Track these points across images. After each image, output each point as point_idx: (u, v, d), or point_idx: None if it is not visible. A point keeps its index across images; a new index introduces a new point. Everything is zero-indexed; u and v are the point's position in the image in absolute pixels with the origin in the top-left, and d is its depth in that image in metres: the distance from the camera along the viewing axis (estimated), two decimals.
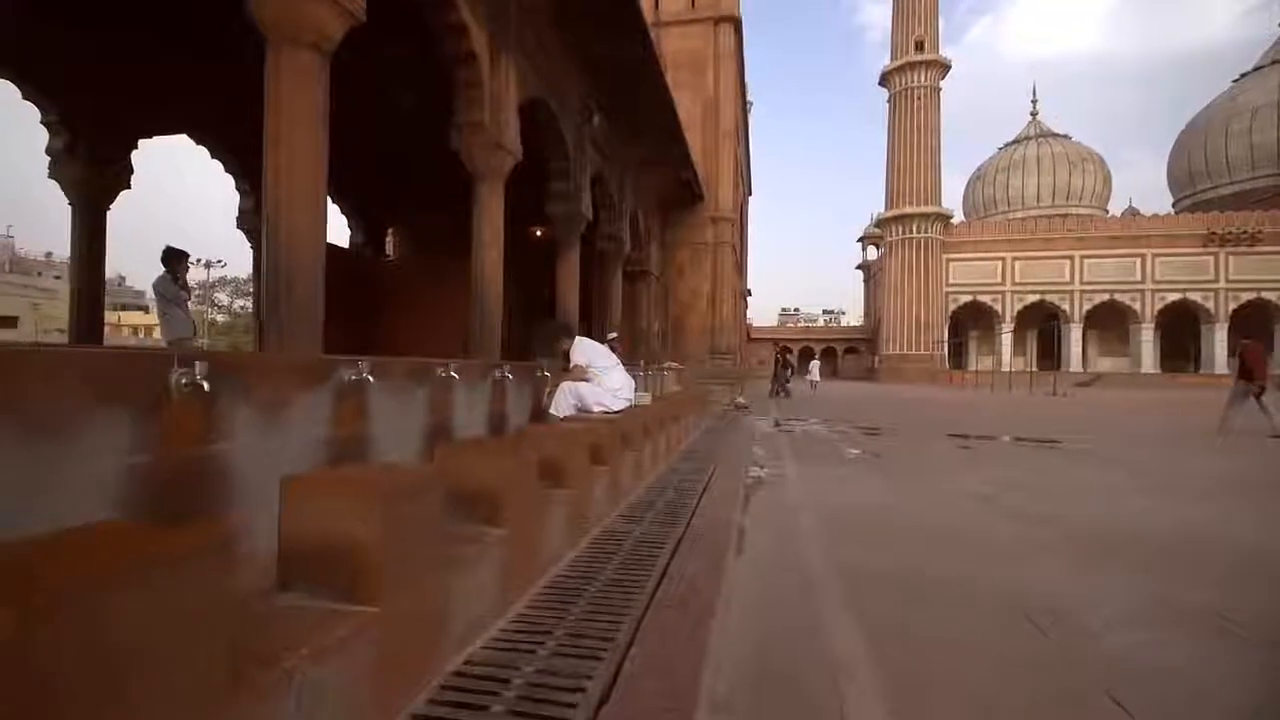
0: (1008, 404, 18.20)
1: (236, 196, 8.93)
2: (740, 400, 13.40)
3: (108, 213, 6.82)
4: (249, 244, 9.01)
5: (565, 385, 4.18)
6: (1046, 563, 3.04)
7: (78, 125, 6.61)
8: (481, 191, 5.54)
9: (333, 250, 11.16)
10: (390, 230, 12.19)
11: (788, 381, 17.97)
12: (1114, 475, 5.84)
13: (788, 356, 22.49)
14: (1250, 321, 37.62)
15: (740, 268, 20.88)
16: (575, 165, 7.86)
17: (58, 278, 59.17)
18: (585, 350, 4.38)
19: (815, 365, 27.66)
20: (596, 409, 4.19)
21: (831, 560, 2.99)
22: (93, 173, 6.68)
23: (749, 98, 25.62)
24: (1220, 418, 9.26)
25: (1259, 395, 9.19)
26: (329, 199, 10.52)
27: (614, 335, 9.12)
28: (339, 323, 10.79)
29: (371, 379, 2.45)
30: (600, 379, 4.32)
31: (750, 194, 28.80)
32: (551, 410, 4.14)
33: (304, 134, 3.21)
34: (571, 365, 4.32)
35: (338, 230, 11.80)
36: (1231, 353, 40.43)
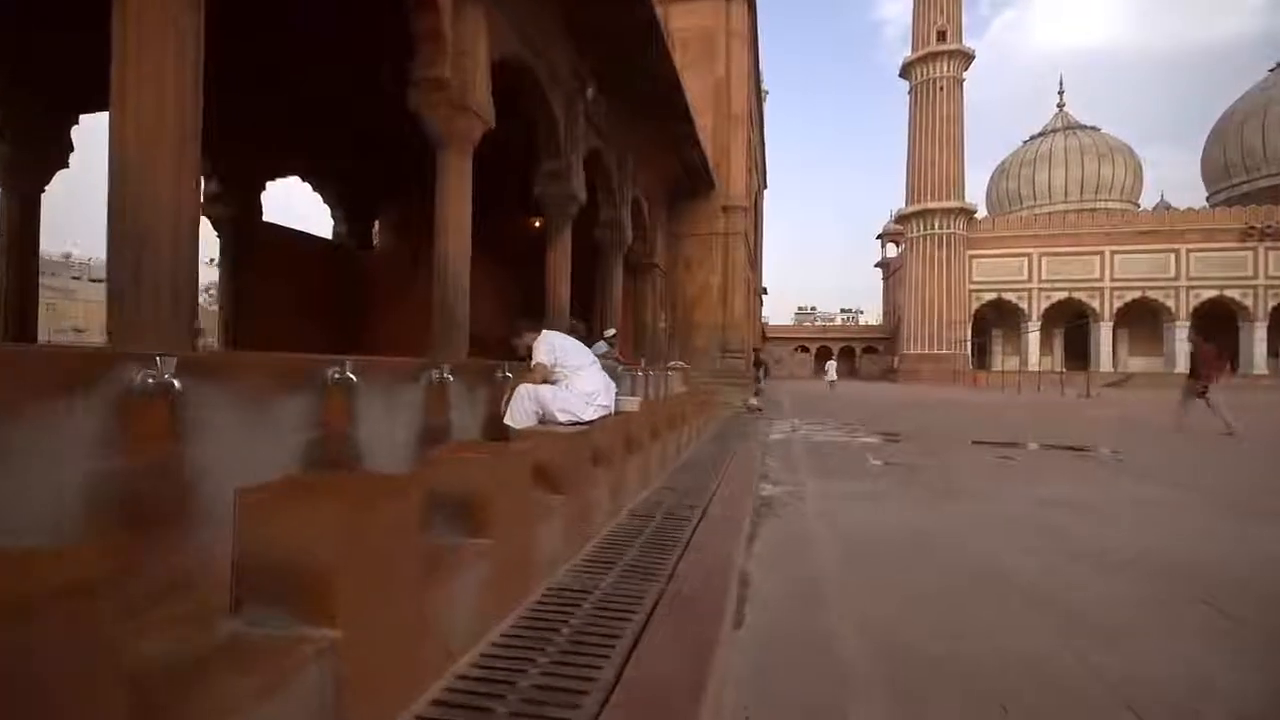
0: (1038, 406, 17.10)
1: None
2: (753, 402, 12.52)
3: (41, 195, 6.14)
4: (215, 233, 8.34)
5: (523, 390, 3.36)
6: (1150, 630, 2.18)
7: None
8: (444, 162, 4.76)
9: (310, 242, 10.48)
10: (377, 221, 11.47)
11: (759, 380, 17.17)
12: (1175, 492, 4.92)
13: (761, 355, 22.19)
14: None
15: (754, 262, 19.96)
16: (567, 141, 7.06)
17: (75, 278, 59.84)
18: (551, 345, 3.55)
19: (832, 365, 26.85)
20: (563, 418, 3.38)
21: (870, 634, 2.15)
22: (23, 151, 6.00)
23: (764, 86, 24.66)
24: (1174, 415, 9.75)
25: (1202, 394, 9.51)
26: (310, 188, 9.80)
27: (612, 332, 8.33)
28: (318, 320, 10.11)
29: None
30: (571, 381, 3.51)
31: (765, 187, 27.83)
32: (507, 420, 3.33)
33: (160, 79, 2.45)
34: (533, 364, 3.50)
35: (319, 222, 11.18)
36: (1273, 353, 38.79)
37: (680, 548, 2.88)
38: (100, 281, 61.25)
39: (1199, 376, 9.59)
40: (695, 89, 12.02)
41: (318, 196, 10.15)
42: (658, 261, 11.97)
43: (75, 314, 50.53)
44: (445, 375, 3.02)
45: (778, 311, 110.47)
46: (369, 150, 9.88)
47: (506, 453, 2.26)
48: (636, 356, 11.55)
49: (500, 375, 3.69)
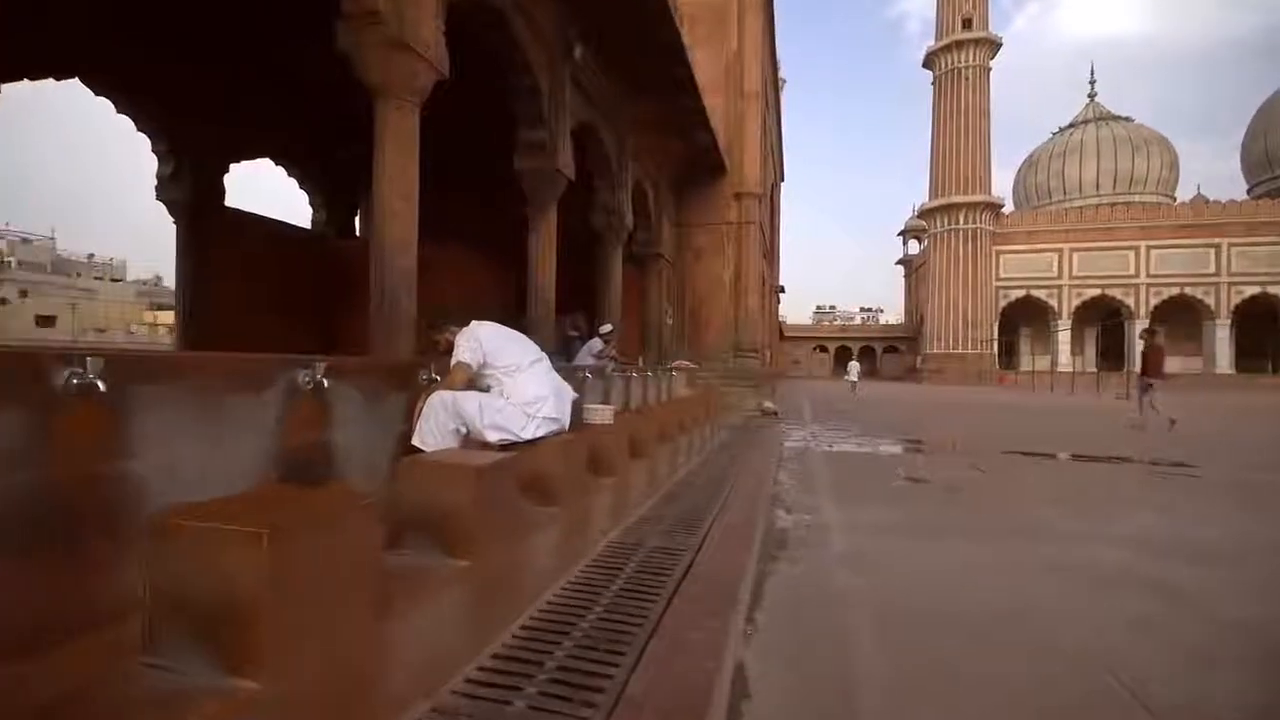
0: (1080, 410, 15.87)
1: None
2: (768, 405, 11.53)
3: None
4: (171, 219, 7.57)
5: (438, 400, 2.43)
6: None
7: None
8: (381, 116, 3.89)
9: (283, 230, 9.68)
10: (359, 209, 10.65)
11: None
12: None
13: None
14: None
15: (770, 256, 18.91)
16: (551, 109, 6.17)
17: (98, 278, 60.30)
18: (477, 340, 2.62)
19: (854, 366, 24.97)
20: (494, 437, 2.46)
21: None
22: None
23: (781, 75, 23.59)
24: (1136, 412, 10.18)
25: (1145, 389, 10.00)
26: (285, 173, 8.98)
27: (608, 328, 7.43)
28: (293, 317, 9.32)
29: None
30: (506, 386, 2.59)
31: (782, 180, 26.73)
32: (416, 440, 2.41)
33: None
34: (453, 364, 2.58)
35: (295, 209, 10.38)
36: None
37: (644, 633, 1.95)
38: (121, 281, 61.89)
39: (1147, 373, 10.14)
40: (705, 69, 11.06)
41: (292, 181, 9.37)
42: (664, 252, 11.04)
43: (99, 314, 50.82)
44: (318, 378, 2.13)
45: (795, 312, 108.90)
46: (350, 129, 9.05)
47: (493, 469, 1.37)
48: (641, 355, 10.63)
49: (424, 378, 2.79)
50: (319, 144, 9.32)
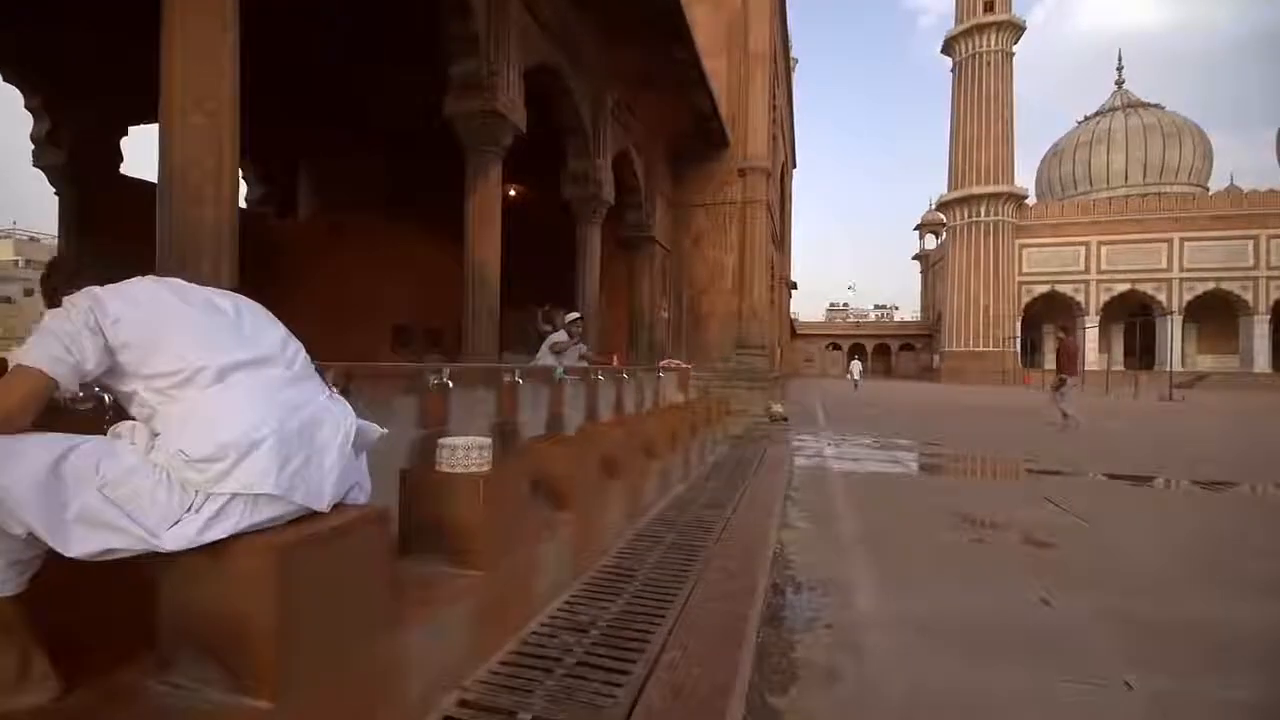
0: (1127, 414, 14.26)
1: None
2: (777, 409, 10.09)
3: None
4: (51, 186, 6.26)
5: None
6: None
7: None
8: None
9: None
10: (300, 182, 9.30)
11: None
12: None
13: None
14: None
15: (780, 243, 17.39)
16: (489, 38, 4.77)
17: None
18: (101, 313, 1.15)
19: (856, 365, 25.84)
20: (84, 548, 1.04)
21: None
22: None
23: (792, 54, 22.04)
24: (1057, 412, 9.86)
25: (1058, 387, 10.00)
26: None
27: (575, 316, 6.05)
28: None
29: None
30: (172, 416, 1.16)
31: (794, 166, 25.17)
32: None
33: None
34: (12, 363, 1.17)
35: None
36: None
37: None
38: None
39: (1062, 370, 10.05)
40: (705, 28, 9.64)
41: None
42: (657, 236, 9.62)
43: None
44: None
45: (807, 309, 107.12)
46: (288, 86, 7.71)
47: None
48: (630, 353, 9.24)
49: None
50: (253, 109, 7.99)
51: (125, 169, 7.20)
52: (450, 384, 2.73)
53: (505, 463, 2.09)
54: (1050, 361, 39.93)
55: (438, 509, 1.81)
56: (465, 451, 1.84)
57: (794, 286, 31.14)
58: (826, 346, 56.29)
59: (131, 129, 6.90)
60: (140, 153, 6.99)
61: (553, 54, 5.94)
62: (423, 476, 1.86)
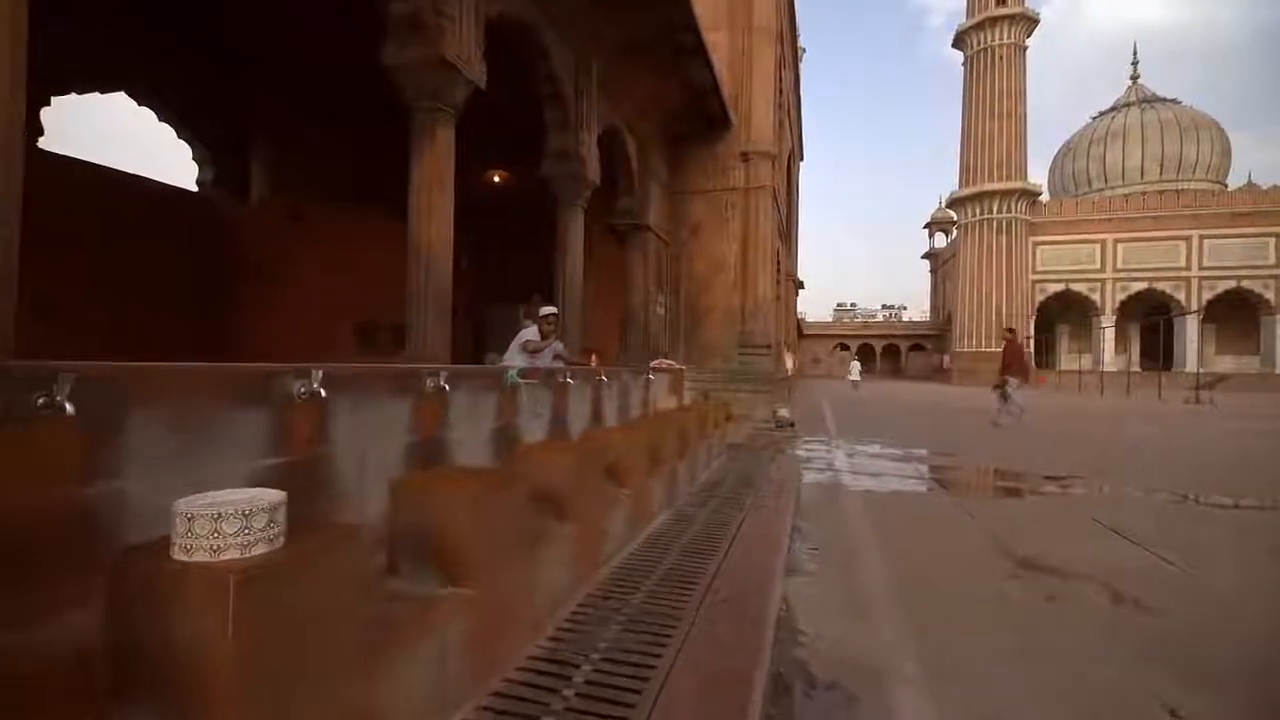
0: (1156, 418, 13.33)
1: None
2: (783, 414, 9.25)
3: None
4: None
5: None
6: None
7: None
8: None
9: (140, 188, 6.68)
10: (254, 165, 8.50)
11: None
12: None
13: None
14: None
15: (786, 236, 16.50)
16: None
17: None
18: None
19: (855, 365, 25.38)
20: None
21: None
22: None
23: (800, 42, 21.17)
24: (1000, 410, 10.07)
25: (999, 386, 10.23)
26: (157, 116, 6.71)
27: (550, 311, 5.24)
28: (172, 306, 7.11)
29: None
30: None
31: (801, 159, 24.26)
32: None
33: None
34: None
35: (172, 165, 8.25)
36: None
37: None
38: None
39: (1007, 371, 10.22)
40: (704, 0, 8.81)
41: (167, 129, 7.26)
42: (652, 225, 8.80)
43: None
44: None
45: (814, 309, 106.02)
46: (239, 55, 6.93)
47: None
48: (622, 352, 8.43)
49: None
50: (199, 79, 7.22)
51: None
52: (322, 392, 1.91)
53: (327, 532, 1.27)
54: (1066, 362, 38.95)
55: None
56: (222, 522, 1.02)
57: (801, 286, 30.26)
58: (834, 347, 55.31)
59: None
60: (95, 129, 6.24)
61: (525, 6, 5.13)
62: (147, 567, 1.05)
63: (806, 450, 7.07)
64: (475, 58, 4.19)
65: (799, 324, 37.62)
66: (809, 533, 3.66)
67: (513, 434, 3.09)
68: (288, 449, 1.78)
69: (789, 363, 14.86)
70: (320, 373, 1.87)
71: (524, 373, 3.35)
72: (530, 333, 5.16)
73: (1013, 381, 10.13)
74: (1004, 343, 10.97)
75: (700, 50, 7.55)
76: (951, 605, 2.61)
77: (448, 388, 2.59)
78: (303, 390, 1.84)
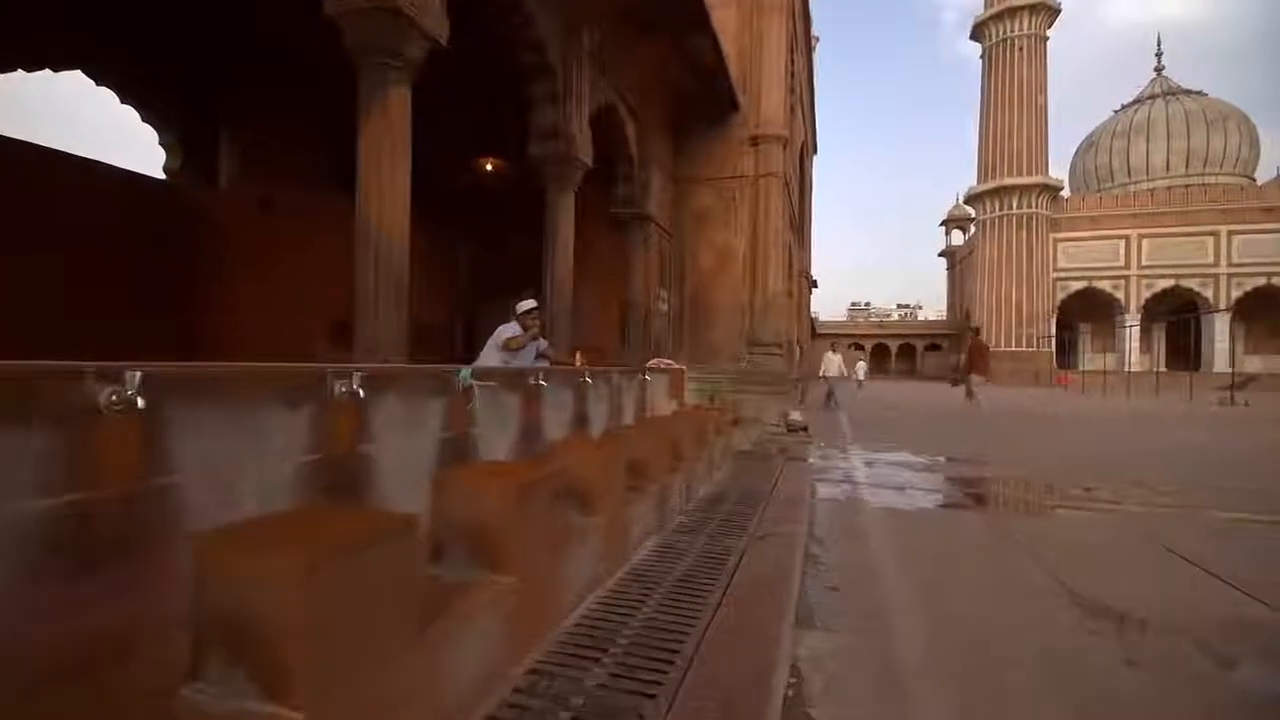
0: (1195, 421, 12.51)
1: None
2: (795, 417, 8.61)
3: None
4: None
5: None
6: None
7: None
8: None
9: (98, 175, 5.96)
10: (223, 151, 7.99)
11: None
12: None
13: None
14: None
15: (798, 228, 15.81)
16: None
17: None
18: None
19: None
20: None
21: None
22: None
23: (813, 31, 20.46)
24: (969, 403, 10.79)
25: (956, 382, 11.35)
26: (119, 95, 6.29)
27: (530, 306, 4.66)
28: (135, 297, 6.63)
29: None
30: None
31: (815, 152, 23.54)
32: None
33: None
34: None
35: (136, 149, 7.78)
36: None
37: None
38: None
39: (973, 369, 10.85)
40: None
41: (128, 109, 6.79)
42: (653, 215, 8.21)
43: None
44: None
45: (828, 308, 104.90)
46: (208, 30, 6.42)
47: None
48: (624, 351, 7.86)
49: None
50: (160, 58, 6.72)
51: None
52: (141, 401, 1.34)
53: None
54: (1088, 362, 37.83)
55: None
56: None
57: (814, 284, 29.49)
58: (849, 347, 54.38)
59: None
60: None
61: None
62: None
63: (821, 458, 6.45)
64: (434, 6, 3.62)
65: (812, 323, 36.83)
66: (826, 564, 3.05)
67: (458, 449, 2.51)
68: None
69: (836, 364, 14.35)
70: (128, 377, 1.31)
71: (480, 373, 2.77)
72: (511, 329, 4.59)
73: (976, 378, 10.88)
74: (970, 341, 11.40)
75: (704, 21, 6.95)
76: (1010, 676, 1.99)
77: (362, 392, 2.02)
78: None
